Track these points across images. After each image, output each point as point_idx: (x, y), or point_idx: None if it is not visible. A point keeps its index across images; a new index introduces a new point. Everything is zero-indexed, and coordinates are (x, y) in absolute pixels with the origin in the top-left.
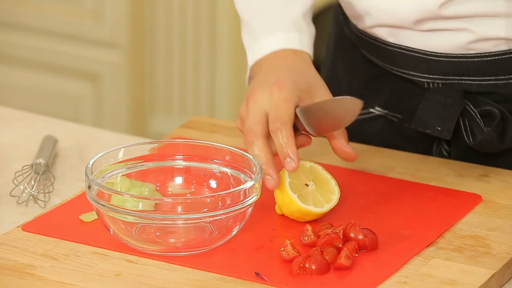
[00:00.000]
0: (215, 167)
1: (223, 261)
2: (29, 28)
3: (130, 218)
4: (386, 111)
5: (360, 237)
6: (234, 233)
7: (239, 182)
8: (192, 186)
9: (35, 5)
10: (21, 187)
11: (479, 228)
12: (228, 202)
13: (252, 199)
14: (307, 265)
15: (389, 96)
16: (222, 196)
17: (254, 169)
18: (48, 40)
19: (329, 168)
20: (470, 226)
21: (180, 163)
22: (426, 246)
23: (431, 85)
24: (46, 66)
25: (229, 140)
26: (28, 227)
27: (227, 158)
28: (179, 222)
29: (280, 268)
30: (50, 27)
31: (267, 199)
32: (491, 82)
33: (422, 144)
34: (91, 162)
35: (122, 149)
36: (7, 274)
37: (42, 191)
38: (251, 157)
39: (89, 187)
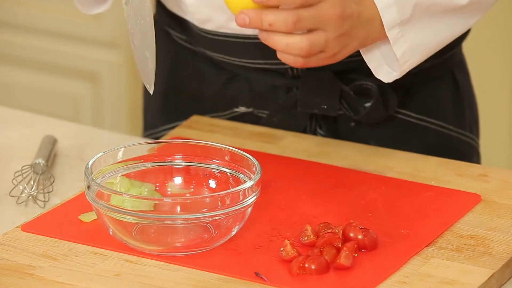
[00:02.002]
0: (214, 167)
1: (222, 261)
2: (29, 28)
3: (129, 218)
4: (251, 109)
5: (360, 237)
6: (233, 233)
7: (238, 182)
8: (192, 186)
9: (35, 5)
10: (21, 187)
11: (479, 228)
12: (228, 202)
13: (252, 199)
14: (306, 265)
15: (250, 95)
16: (222, 196)
17: (254, 169)
18: (47, 40)
19: (329, 168)
20: (470, 226)
21: (179, 163)
22: (426, 246)
23: (295, 72)
24: (45, 66)
25: (228, 140)
26: (27, 227)
27: (226, 158)
28: (179, 222)
29: (280, 268)
30: (49, 27)
31: (266, 199)
32: (353, 58)
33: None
34: (90, 162)
35: (122, 149)
36: (7, 274)
37: (42, 191)
38: (251, 157)
39: (89, 187)
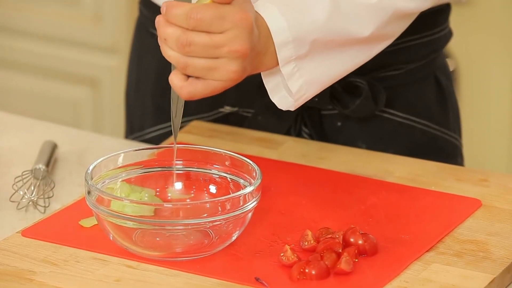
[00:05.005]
0: (214, 172)
1: (223, 266)
2: (29, 33)
3: (129, 224)
4: (236, 109)
5: (360, 242)
6: (234, 238)
7: (238, 187)
8: (192, 191)
9: (35, 9)
10: (21, 193)
11: (479, 233)
12: (228, 207)
13: (252, 204)
14: (307, 270)
15: (235, 94)
16: (222, 202)
17: (254, 174)
18: (47, 44)
19: (328, 173)
20: (470, 231)
21: (179, 168)
22: (426, 251)
23: None
24: (45, 71)
25: (228, 145)
26: (27, 232)
27: (226, 163)
28: (179, 227)
29: (280, 273)
30: (49, 32)
31: (267, 204)
32: None
33: (279, 133)
34: (90, 168)
35: (122, 154)
36: (7, 280)
37: (42, 196)
38: (251, 162)
39: (89, 192)
